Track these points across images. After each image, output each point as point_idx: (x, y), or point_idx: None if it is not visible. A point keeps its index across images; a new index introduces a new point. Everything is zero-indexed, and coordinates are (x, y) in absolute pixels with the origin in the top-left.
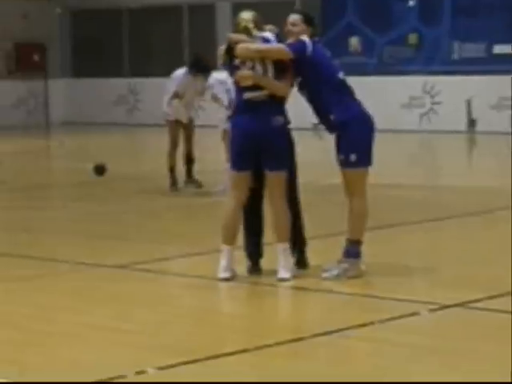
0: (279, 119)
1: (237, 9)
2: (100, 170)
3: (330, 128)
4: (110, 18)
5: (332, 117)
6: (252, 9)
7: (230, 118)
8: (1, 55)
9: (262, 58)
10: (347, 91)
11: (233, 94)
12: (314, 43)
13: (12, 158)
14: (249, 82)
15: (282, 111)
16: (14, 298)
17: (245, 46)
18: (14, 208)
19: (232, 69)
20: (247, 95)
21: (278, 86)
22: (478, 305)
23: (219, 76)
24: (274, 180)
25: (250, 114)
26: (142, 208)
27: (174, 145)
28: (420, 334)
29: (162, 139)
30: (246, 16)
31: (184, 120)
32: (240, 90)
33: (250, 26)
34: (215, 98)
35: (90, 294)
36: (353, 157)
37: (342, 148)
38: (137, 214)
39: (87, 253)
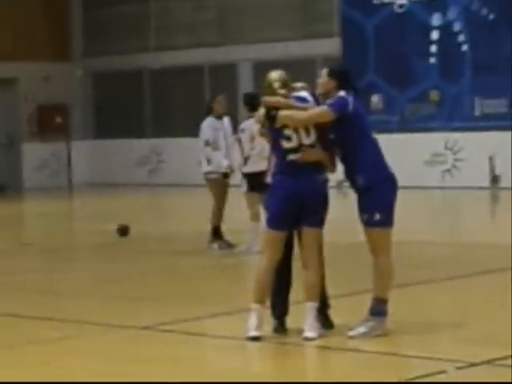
0: (321, 177)
1: (258, 68)
2: (123, 231)
3: (357, 188)
4: (130, 79)
5: (361, 177)
6: (273, 67)
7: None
8: (24, 118)
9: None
10: (378, 150)
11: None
12: (353, 99)
13: (36, 220)
14: (312, 159)
15: (322, 169)
16: (41, 360)
17: (288, 117)
18: (39, 270)
19: (273, 132)
20: (291, 157)
21: (331, 161)
22: (506, 362)
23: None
24: (311, 237)
25: (293, 174)
26: (167, 268)
27: (220, 202)
28: None
29: (185, 199)
30: (273, 76)
31: (223, 169)
32: (283, 151)
33: (276, 85)
34: (239, 142)
35: (115, 356)
36: (377, 216)
37: (366, 207)
38: (161, 274)
39: (112, 314)
